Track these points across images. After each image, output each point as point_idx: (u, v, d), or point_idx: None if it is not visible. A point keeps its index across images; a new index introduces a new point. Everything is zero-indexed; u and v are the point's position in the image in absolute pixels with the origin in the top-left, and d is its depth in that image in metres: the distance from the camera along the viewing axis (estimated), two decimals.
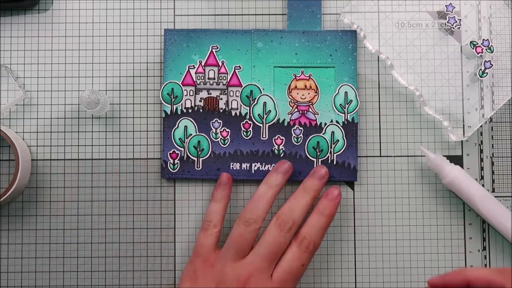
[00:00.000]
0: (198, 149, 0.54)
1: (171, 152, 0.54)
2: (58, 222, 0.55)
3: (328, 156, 0.54)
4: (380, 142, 0.55)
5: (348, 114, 0.54)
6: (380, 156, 0.55)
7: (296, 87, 0.55)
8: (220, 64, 0.55)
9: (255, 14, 0.56)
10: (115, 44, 0.56)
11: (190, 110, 0.55)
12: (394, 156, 0.55)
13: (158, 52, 0.56)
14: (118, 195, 0.55)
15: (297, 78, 0.55)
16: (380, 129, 0.56)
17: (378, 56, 0.56)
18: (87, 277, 0.54)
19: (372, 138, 0.55)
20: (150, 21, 0.56)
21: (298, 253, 0.50)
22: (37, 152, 0.55)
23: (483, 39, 0.54)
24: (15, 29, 0.56)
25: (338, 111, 0.54)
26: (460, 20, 0.55)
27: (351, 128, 0.54)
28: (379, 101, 0.56)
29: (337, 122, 0.55)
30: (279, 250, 0.50)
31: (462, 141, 0.55)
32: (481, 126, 0.55)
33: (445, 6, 0.55)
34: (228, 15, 0.56)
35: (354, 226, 0.55)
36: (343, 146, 0.54)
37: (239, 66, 0.55)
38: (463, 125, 0.55)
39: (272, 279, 0.49)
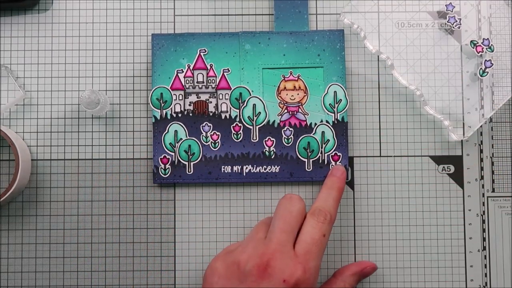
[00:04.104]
0: (189, 153, 0.54)
1: (162, 157, 0.54)
2: (58, 222, 0.55)
3: (319, 156, 0.54)
4: (380, 142, 0.55)
5: (338, 114, 0.54)
6: (380, 156, 0.55)
7: (285, 88, 0.55)
8: (209, 67, 0.55)
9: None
10: (115, 44, 0.56)
11: (179, 115, 0.55)
12: (394, 156, 0.55)
13: None
14: (118, 195, 0.55)
15: (285, 79, 0.55)
16: (380, 129, 0.55)
17: (378, 56, 0.56)
18: (87, 277, 0.54)
19: (372, 138, 0.55)
20: (150, 21, 0.56)
21: (317, 224, 0.48)
22: (37, 152, 0.55)
23: (483, 38, 0.54)
24: (15, 29, 0.56)
25: (328, 110, 0.54)
26: (460, 19, 0.55)
27: (341, 128, 0.54)
28: (378, 101, 0.56)
29: (327, 121, 0.55)
30: (291, 219, 0.48)
31: (462, 141, 0.55)
32: (481, 126, 0.55)
33: (445, 5, 0.55)
34: (228, 15, 0.56)
35: (354, 226, 0.55)
36: (334, 146, 0.54)
37: (228, 69, 0.55)
38: (463, 125, 0.55)
39: (296, 252, 0.47)
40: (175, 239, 0.55)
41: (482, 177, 0.55)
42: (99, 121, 0.55)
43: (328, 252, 0.55)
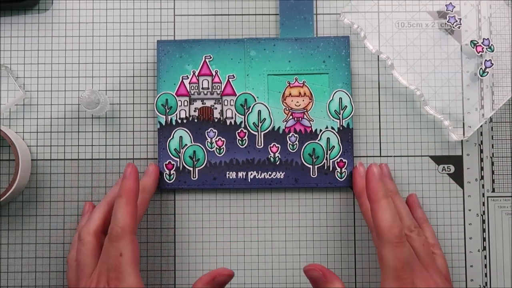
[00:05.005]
0: (194, 159, 0.54)
1: (166, 162, 0.54)
2: (58, 222, 0.55)
3: (324, 163, 0.54)
4: (380, 142, 0.55)
5: (343, 120, 0.54)
6: (380, 156, 0.55)
7: (290, 94, 0.55)
8: (214, 73, 0.55)
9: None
10: (115, 44, 0.56)
11: (185, 121, 0.55)
12: (394, 156, 0.55)
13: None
14: None
15: (291, 85, 0.55)
16: (380, 129, 0.55)
17: (378, 56, 0.56)
18: None
19: (372, 138, 0.55)
20: (150, 21, 0.56)
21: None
22: (37, 152, 0.55)
23: (483, 38, 0.54)
24: (15, 29, 0.56)
25: (333, 117, 0.54)
26: (460, 19, 0.55)
27: (346, 134, 0.54)
28: (379, 102, 0.56)
29: (332, 128, 0.54)
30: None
31: (462, 141, 0.55)
32: (481, 126, 0.55)
33: (445, 5, 0.55)
34: (228, 15, 0.56)
35: (354, 226, 0.55)
36: (339, 152, 0.54)
37: (233, 75, 0.55)
38: (463, 125, 0.55)
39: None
40: (175, 239, 0.55)
41: (482, 177, 0.55)
42: (99, 121, 0.55)
43: (328, 252, 0.55)
